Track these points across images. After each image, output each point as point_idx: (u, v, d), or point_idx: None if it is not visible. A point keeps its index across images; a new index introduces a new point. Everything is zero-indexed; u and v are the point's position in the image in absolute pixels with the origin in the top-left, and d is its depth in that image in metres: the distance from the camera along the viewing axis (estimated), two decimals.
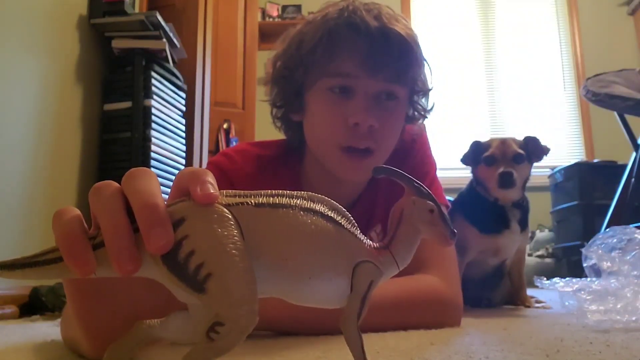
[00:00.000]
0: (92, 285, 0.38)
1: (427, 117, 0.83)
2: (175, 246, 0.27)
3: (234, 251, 0.27)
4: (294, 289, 0.30)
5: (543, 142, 1.24)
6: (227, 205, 0.29)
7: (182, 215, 0.28)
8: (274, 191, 0.31)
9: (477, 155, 1.23)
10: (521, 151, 1.19)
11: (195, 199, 0.28)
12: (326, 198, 0.32)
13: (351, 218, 0.33)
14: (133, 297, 0.39)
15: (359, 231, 0.33)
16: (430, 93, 0.82)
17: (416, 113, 0.81)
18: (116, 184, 0.30)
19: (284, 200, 0.30)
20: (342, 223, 0.32)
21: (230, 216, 0.28)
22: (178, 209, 0.28)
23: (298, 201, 0.30)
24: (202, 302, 0.27)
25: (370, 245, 0.33)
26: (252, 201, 0.29)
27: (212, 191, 0.28)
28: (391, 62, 0.71)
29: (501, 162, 1.18)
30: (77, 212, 0.29)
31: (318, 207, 0.31)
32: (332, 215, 0.31)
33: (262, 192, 0.31)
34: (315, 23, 0.74)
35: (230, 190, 0.30)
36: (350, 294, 0.31)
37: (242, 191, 0.30)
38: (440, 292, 0.71)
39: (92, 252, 0.28)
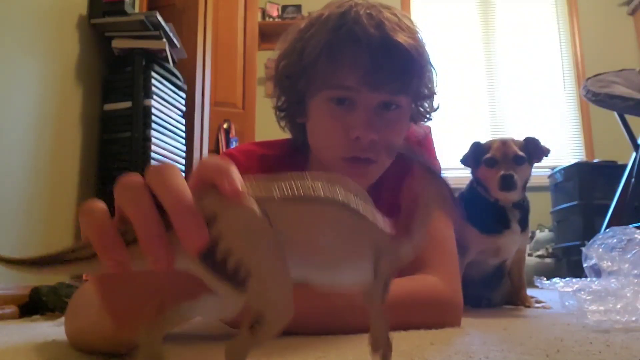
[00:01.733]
0: None
1: (431, 119, 0.83)
2: (211, 245, 0.27)
3: (269, 249, 0.28)
4: (322, 277, 0.31)
5: (543, 143, 1.24)
6: (256, 200, 0.29)
7: (214, 213, 0.28)
8: (296, 178, 0.31)
9: (477, 156, 1.23)
10: (521, 153, 1.19)
11: (224, 195, 0.28)
12: (345, 179, 0.32)
13: (369, 198, 0.33)
14: (158, 277, 0.39)
15: (377, 212, 0.34)
16: (436, 96, 0.81)
17: (420, 114, 0.81)
18: (141, 178, 0.30)
19: (308, 191, 0.30)
20: (363, 208, 0.32)
21: (260, 212, 0.28)
22: (208, 205, 0.28)
23: (320, 191, 0.31)
24: (242, 298, 0.28)
25: (388, 226, 0.34)
26: (278, 194, 0.30)
27: (240, 187, 0.28)
28: (393, 75, 0.70)
29: (502, 164, 1.18)
30: (104, 206, 0.29)
31: (339, 195, 0.31)
32: (354, 201, 0.32)
33: (284, 178, 0.30)
34: (317, 27, 0.72)
35: (251, 176, 0.30)
36: (374, 278, 0.33)
37: (263, 177, 0.30)
38: (440, 292, 0.71)
39: (127, 250, 0.28)
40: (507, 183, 1.16)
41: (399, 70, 0.70)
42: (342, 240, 0.31)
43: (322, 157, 0.77)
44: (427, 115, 0.81)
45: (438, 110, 0.82)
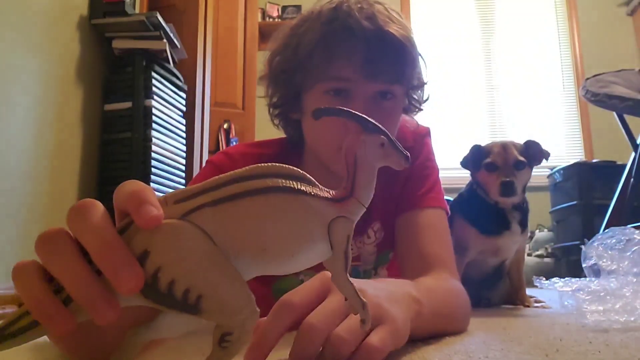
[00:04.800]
0: None
1: (422, 109, 0.83)
2: (152, 280, 0.26)
3: (213, 265, 0.26)
4: (279, 268, 0.30)
5: (543, 144, 1.24)
6: (184, 215, 0.27)
7: (145, 248, 0.26)
8: (218, 179, 0.29)
9: (477, 159, 1.23)
10: (522, 158, 1.18)
11: (139, 225, 0.26)
12: (275, 165, 0.30)
13: (308, 177, 0.32)
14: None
15: (319, 188, 0.32)
16: (426, 86, 0.82)
17: (412, 105, 0.82)
18: (62, 229, 0.27)
19: (236, 188, 0.29)
20: (303, 189, 0.30)
21: (193, 228, 0.27)
22: (137, 242, 0.26)
23: (251, 183, 0.29)
24: (202, 319, 0.27)
25: (335, 196, 0.32)
26: (207, 200, 0.28)
27: (154, 213, 0.26)
28: (388, 65, 0.71)
29: (502, 169, 1.18)
30: (34, 263, 0.27)
31: (273, 182, 0.30)
32: (290, 185, 0.30)
33: (206, 185, 0.29)
34: (309, 23, 0.74)
35: (173, 193, 0.29)
36: (332, 251, 0.31)
37: (185, 189, 0.29)
38: (465, 295, 0.70)
39: (66, 310, 0.26)
40: (508, 189, 1.16)
41: (393, 60, 0.72)
42: (289, 228, 0.29)
43: (319, 152, 0.78)
44: (418, 106, 0.82)
45: (428, 100, 0.83)
